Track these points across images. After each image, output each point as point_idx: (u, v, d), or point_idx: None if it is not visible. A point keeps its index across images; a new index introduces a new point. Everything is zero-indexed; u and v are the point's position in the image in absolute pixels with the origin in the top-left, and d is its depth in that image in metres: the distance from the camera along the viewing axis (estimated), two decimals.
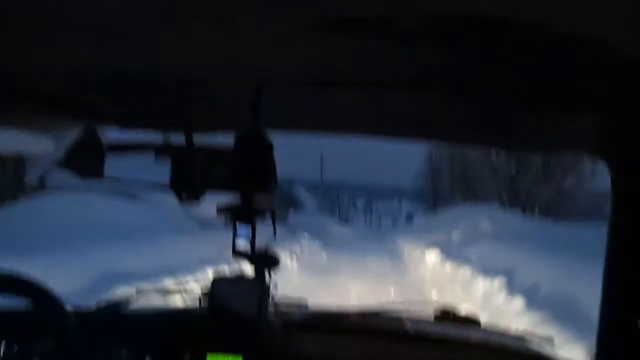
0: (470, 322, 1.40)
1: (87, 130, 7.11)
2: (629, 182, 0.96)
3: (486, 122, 1.07)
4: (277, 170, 1.07)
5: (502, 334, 1.49)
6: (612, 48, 0.66)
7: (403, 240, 18.28)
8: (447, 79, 0.85)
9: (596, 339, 1.08)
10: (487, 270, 7.51)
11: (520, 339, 1.46)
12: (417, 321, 1.49)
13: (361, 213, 58.74)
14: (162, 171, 1.01)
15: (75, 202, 7.34)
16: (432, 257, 11.28)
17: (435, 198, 32.22)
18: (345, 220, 43.93)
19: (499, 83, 0.85)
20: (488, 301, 6.18)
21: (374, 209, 60.08)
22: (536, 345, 1.43)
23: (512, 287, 6.25)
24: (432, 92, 0.91)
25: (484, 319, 1.51)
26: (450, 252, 10.58)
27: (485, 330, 1.46)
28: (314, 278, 8.63)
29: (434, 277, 9.49)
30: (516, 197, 20.50)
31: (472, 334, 1.42)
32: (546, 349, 1.41)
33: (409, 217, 41.91)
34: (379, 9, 0.61)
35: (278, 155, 1.09)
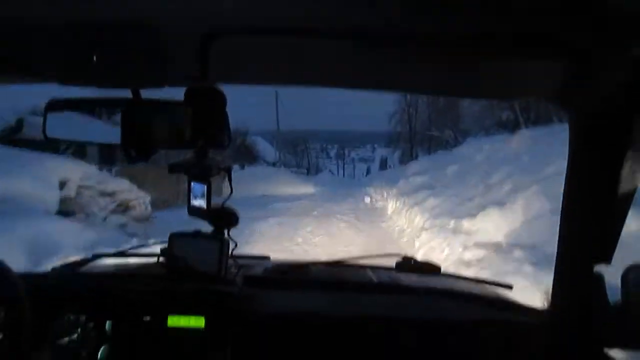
0: (431, 269, 1.51)
1: None
2: (585, 132, 1.06)
3: (451, 69, 1.11)
4: (231, 122, 1.11)
5: (462, 281, 1.63)
6: None
7: (371, 189, 16.47)
8: (411, 28, 0.89)
9: (552, 283, 1.21)
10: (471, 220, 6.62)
11: (480, 285, 1.61)
12: (380, 271, 1.61)
13: (334, 161, 58.97)
14: (108, 130, 1.04)
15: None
16: (404, 205, 10.76)
17: (412, 141, 32.37)
18: (314, 170, 43.90)
19: (464, 29, 0.89)
20: (456, 248, 5.86)
21: (346, 157, 60.37)
22: (495, 291, 1.58)
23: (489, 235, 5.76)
24: (397, 42, 0.94)
25: (447, 266, 1.63)
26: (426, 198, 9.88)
27: (445, 277, 1.59)
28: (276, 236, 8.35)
29: (406, 226, 9.33)
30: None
31: (433, 282, 1.54)
32: (505, 294, 1.56)
33: (383, 164, 42.25)
34: None
35: (234, 104, 1.12)
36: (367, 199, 14.93)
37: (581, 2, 0.73)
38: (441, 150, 22.67)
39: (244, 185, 15.12)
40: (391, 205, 11.96)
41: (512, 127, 17.61)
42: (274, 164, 29.49)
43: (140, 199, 9.70)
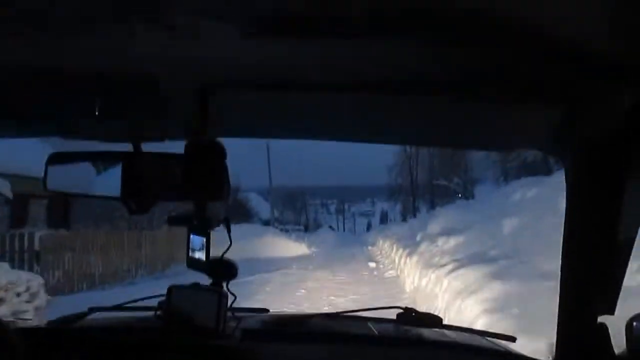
0: (432, 322, 1.51)
1: None
2: (582, 180, 1.09)
3: (445, 122, 1.15)
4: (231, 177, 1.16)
5: (464, 333, 1.63)
6: (570, 43, 0.75)
7: (376, 250, 14.60)
8: (407, 82, 0.93)
9: (556, 336, 1.21)
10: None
11: (483, 337, 1.62)
12: (380, 323, 1.62)
13: (334, 216, 59.05)
14: (109, 182, 1.09)
15: None
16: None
17: (414, 194, 32.30)
18: (313, 227, 43.67)
19: (460, 81, 0.93)
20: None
21: (346, 211, 60.48)
22: (498, 343, 1.58)
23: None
24: (393, 95, 0.99)
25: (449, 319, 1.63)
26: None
27: (447, 330, 1.58)
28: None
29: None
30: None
31: (435, 334, 1.55)
32: (508, 347, 1.56)
33: (384, 218, 42.15)
34: (329, 9, 0.67)
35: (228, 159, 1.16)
36: (373, 265, 12.65)
37: (570, 50, 0.77)
38: (450, 201, 21.82)
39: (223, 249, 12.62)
40: (411, 282, 8.34)
41: (540, 171, 14.57)
42: (267, 222, 29.09)
43: (20, 285, 6.28)
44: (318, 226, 45.53)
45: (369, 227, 44.54)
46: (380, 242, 16.12)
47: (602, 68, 0.82)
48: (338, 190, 66.28)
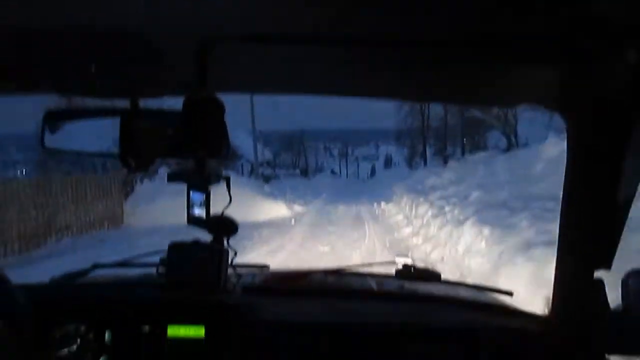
0: (431, 276, 1.60)
1: None
2: (584, 136, 1.14)
3: (450, 77, 1.19)
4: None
5: (462, 288, 1.73)
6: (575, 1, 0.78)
7: (395, 210, 11.88)
8: (409, 36, 0.96)
9: (552, 290, 1.30)
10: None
11: (480, 291, 1.71)
12: (380, 278, 1.71)
13: (336, 160, 59.18)
14: (107, 139, 1.12)
15: None
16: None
17: (425, 134, 31.45)
18: (313, 171, 43.31)
19: (463, 37, 0.95)
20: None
21: (349, 155, 60.55)
22: (495, 298, 1.67)
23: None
24: (395, 50, 1.01)
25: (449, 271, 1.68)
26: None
27: (445, 284, 1.68)
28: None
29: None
30: None
31: (433, 289, 1.64)
32: (505, 301, 1.65)
33: (388, 161, 42.03)
34: None
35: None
36: (405, 262, 4.06)
37: (576, 7, 0.80)
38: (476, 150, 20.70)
39: (162, 211, 9.43)
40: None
41: None
42: (251, 168, 28.35)
43: None
44: (319, 170, 45.14)
45: (372, 172, 44.56)
46: (404, 198, 11.65)
47: (604, 24, 0.85)
48: (341, 133, 66.04)
